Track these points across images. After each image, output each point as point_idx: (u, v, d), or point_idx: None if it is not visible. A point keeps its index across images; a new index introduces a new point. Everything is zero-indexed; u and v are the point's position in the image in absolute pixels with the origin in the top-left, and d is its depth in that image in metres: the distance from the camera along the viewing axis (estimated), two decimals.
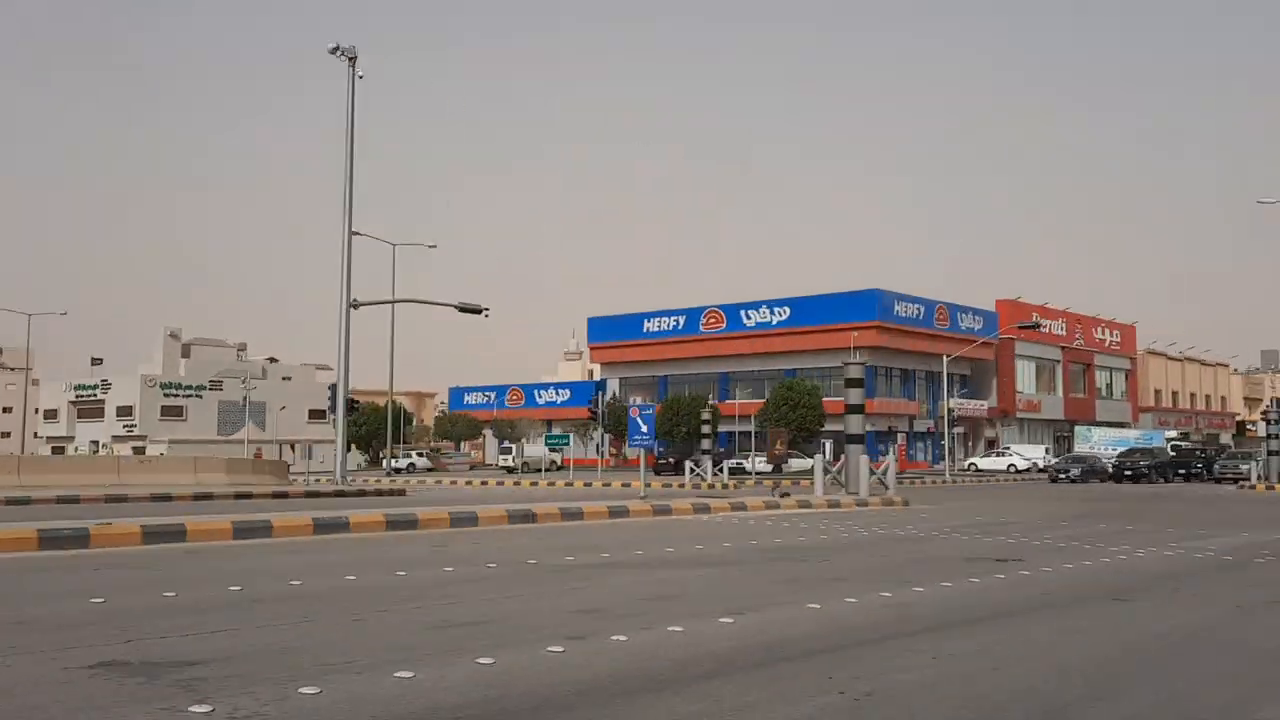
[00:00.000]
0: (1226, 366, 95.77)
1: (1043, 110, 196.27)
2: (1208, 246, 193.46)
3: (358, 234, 49.18)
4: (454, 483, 45.98)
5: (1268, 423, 42.12)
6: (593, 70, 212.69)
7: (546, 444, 44.58)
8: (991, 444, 67.27)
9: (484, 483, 44.65)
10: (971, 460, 62.51)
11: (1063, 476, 48.16)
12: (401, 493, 30.39)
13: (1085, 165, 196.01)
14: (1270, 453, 41.46)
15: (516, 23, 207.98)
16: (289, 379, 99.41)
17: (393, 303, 36.82)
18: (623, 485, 39.02)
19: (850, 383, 24.89)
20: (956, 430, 67.77)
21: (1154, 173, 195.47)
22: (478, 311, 34.90)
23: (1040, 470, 59.44)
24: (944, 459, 65.61)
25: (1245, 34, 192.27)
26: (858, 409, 24.39)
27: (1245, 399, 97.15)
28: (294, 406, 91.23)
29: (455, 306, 34.88)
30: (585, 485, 39.74)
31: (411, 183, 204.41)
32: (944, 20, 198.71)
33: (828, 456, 49.81)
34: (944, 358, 50.68)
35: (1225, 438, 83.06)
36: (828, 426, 58.99)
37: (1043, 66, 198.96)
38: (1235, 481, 43.81)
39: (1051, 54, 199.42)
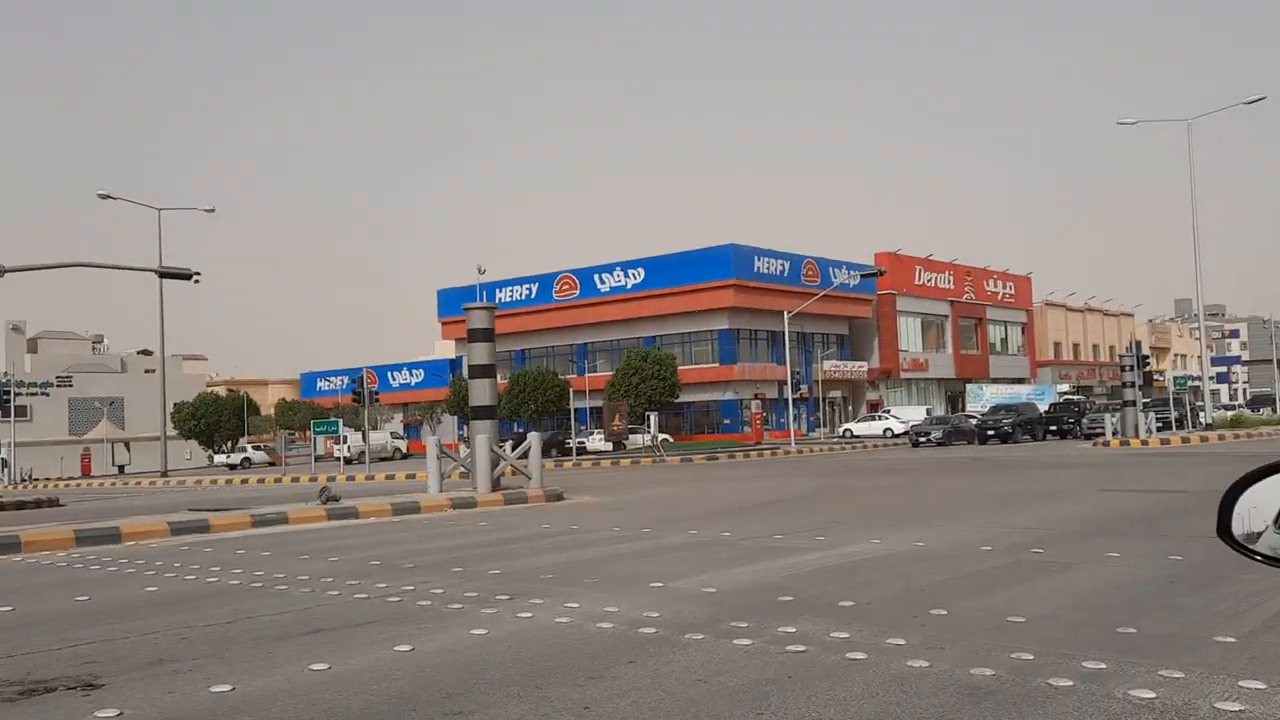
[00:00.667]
0: (1131, 316, 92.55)
1: (923, 54, 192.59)
2: (1109, 193, 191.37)
3: (107, 196, 43.89)
4: (199, 482, 40.66)
5: (1123, 369, 38.01)
6: (437, 35, 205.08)
7: (314, 431, 39.40)
8: (874, 407, 63.09)
9: (198, 482, 39.72)
10: (847, 425, 58.22)
11: (923, 440, 44.10)
12: (55, 503, 25.16)
13: (971, 110, 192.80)
14: (1126, 403, 37.39)
15: None
16: (152, 371, 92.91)
17: (57, 266, 31.16)
18: (407, 477, 34.12)
19: (475, 335, 19.88)
20: (834, 394, 63.54)
21: (1043, 117, 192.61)
22: (186, 277, 29.52)
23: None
24: (819, 426, 61.54)
25: None
26: (483, 370, 19.37)
27: (1153, 349, 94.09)
28: (156, 402, 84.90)
29: (156, 271, 29.48)
30: (345, 480, 34.73)
31: (286, 158, 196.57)
32: None
33: (657, 431, 45.48)
34: (784, 315, 45.87)
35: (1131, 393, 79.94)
36: (685, 397, 54.43)
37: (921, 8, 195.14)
38: (1096, 438, 39.91)
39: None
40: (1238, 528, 1.66)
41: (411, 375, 70.45)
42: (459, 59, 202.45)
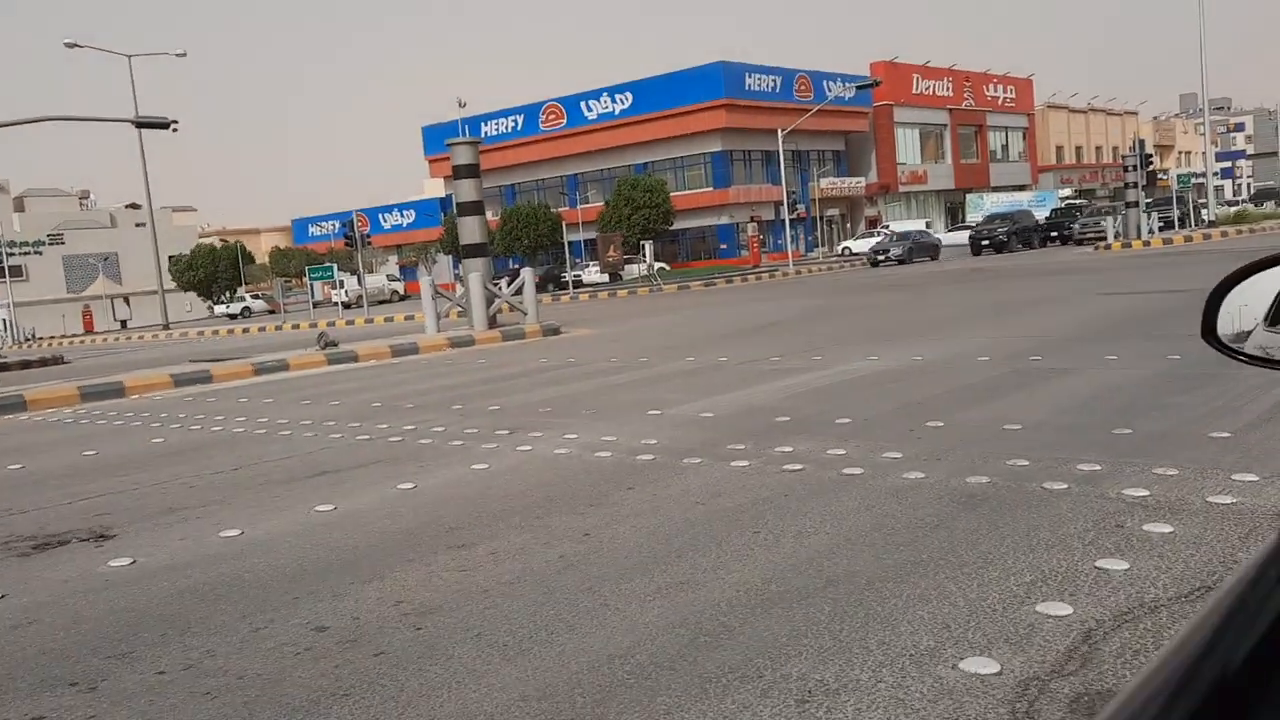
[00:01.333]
0: (1135, 114, 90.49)
1: None
2: None
3: (74, 45, 42.34)
4: (200, 334, 40.78)
5: (1126, 170, 37.41)
6: None
7: (310, 277, 39.20)
8: (873, 223, 62.49)
9: (200, 333, 39.86)
10: (846, 243, 57.82)
11: (883, 259, 42.16)
12: (60, 360, 25.29)
13: None
14: (1128, 204, 36.98)
15: None
16: (143, 225, 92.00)
17: (32, 121, 30.31)
18: (405, 319, 34.25)
19: (460, 171, 19.48)
20: (831, 212, 62.94)
21: None
22: (164, 126, 28.80)
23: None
24: (817, 246, 61.21)
25: None
26: (472, 207, 19.03)
27: (1157, 147, 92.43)
28: (149, 255, 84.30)
29: (133, 122, 28.73)
30: (345, 325, 34.82)
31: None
32: None
33: (655, 259, 45.25)
34: (778, 133, 44.82)
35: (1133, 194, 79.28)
36: (679, 224, 53.89)
37: None
38: (1097, 242, 39.65)
39: None
40: (1226, 327, 1.57)
41: (403, 216, 69.57)
42: None
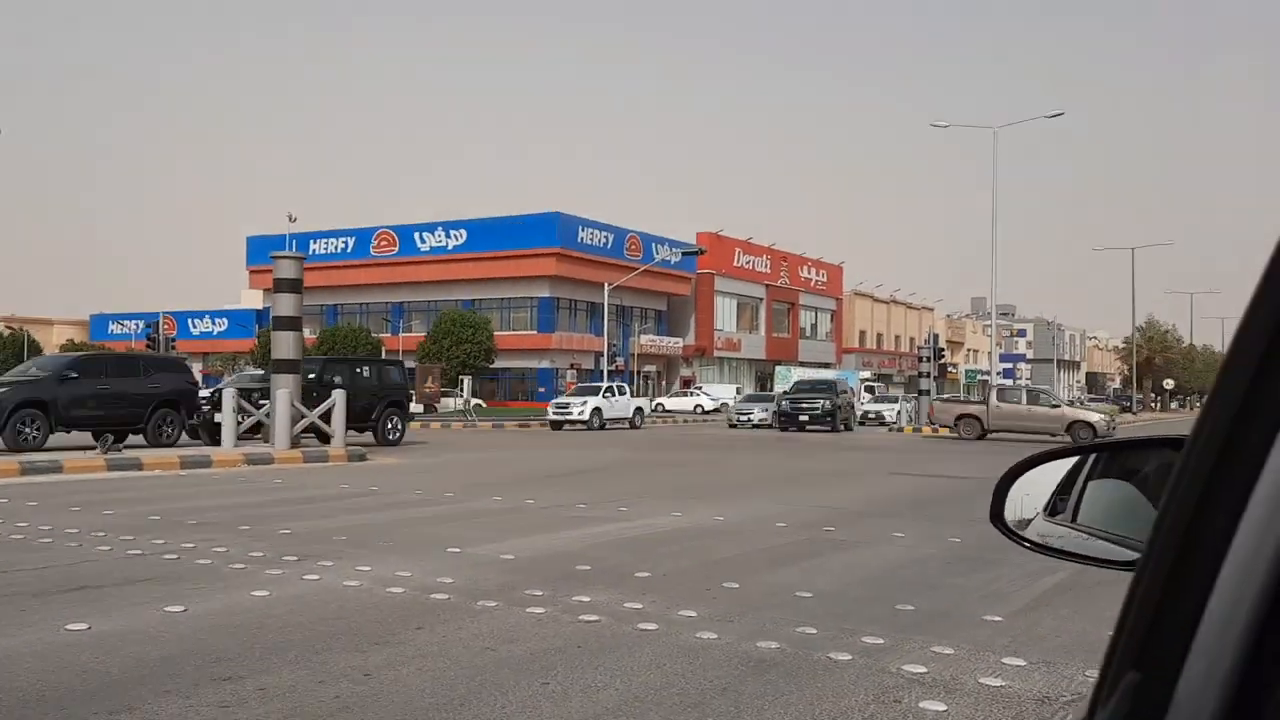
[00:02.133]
0: (931, 310, 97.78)
1: (752, 52, 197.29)
2: (920, 191, 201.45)
3: None
4: None
5: (921, 360, 40.10)
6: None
7: None
8: (687, 383, 64.33)
9: None
10: (660, 400, 59.12)
11: (743, 420, 40.44)
12: None
13: (799, 109, 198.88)
14: (922, 392, 39.49)
15: None
16: None
17: None
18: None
19: (281, 285, 19.16)
20: (649, 368, 64.44)
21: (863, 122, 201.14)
22: None
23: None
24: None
25: None
26: (288, 323, 18.65)
27: (949, 342, 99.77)
28: None
29: None
30: None
31: (79, 82, 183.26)
32: None
33: (471, 396, 44.96)
34: (605, 287, 46.03)
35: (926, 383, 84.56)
36: (500, 363, 53.94)
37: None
38: (891, 425, 42.05)
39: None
40: (1010, 514, 1.68)
41: (215, 324, 66.91)
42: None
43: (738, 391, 62.57)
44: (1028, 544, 1.64)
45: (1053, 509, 1.79)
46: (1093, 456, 1.71)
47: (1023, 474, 1.67)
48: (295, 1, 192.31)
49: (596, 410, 36.30)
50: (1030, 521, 1.72)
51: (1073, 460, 1.70)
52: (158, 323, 38.49)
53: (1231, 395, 0.49)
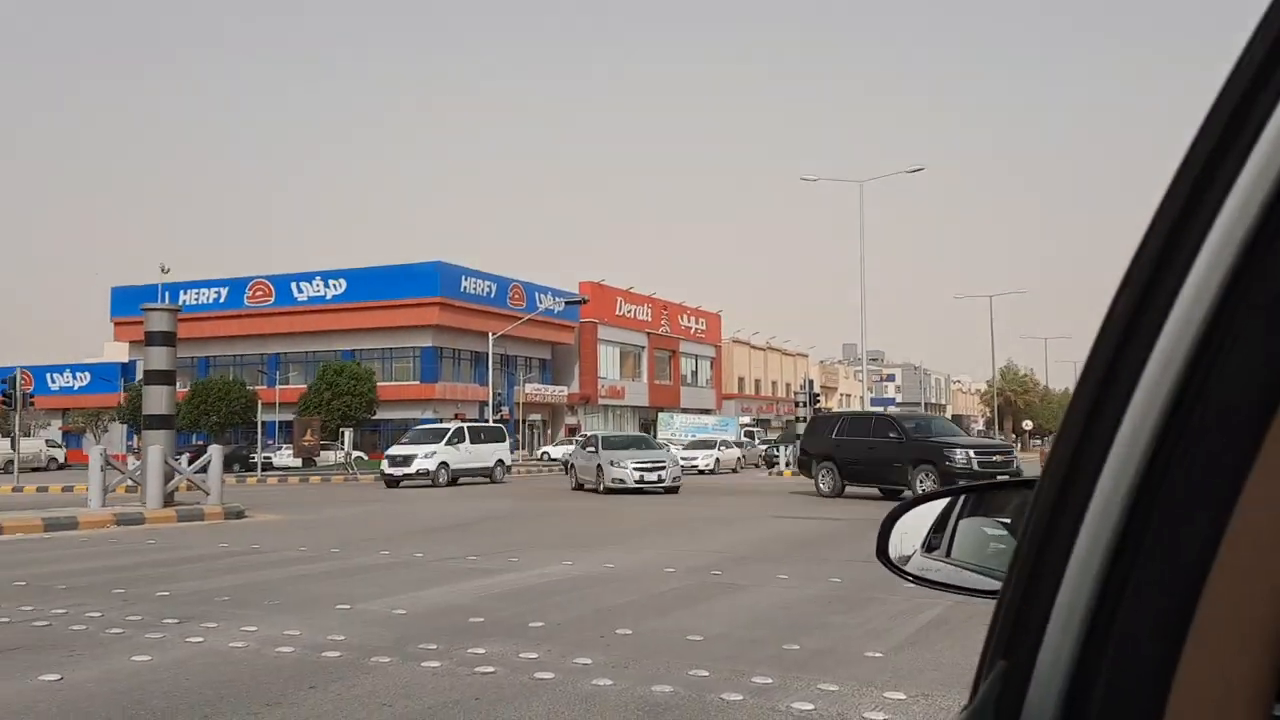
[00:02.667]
0: (806, 356, 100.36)
1: (629, 102, 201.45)
2: (795, 240, 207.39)
3: None
4: None
5: (797, 405, 41.13)
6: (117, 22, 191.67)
7: None
8: (572, 431, 64.25)
9: None
10: (545, 449, 58.99)
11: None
12: None
13: (675, 160, 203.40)
14: (796, 436, 40.43)
15: None
16: None
17: None
18: (64, 489, 30.85)
19: (154, 338, 18.66)
20: (534, 417, 64.24)
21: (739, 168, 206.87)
22: None
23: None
24: (518, 448, 62.03)
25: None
26: (161, 376, 18.17)
27: (823, 387, 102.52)
28: None
29: None
30: (3, 491, 30.96)
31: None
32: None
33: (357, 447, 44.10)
34: (489, 336, 45.95)
35: (801, 427, 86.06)
36: (383, 414, 52.99)
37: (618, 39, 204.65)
38: (770, 468, 42.91)
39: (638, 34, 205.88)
40: (893, 550, 1.87)
41: (75, 378, 63.81)
42: (142, 40, 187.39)
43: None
44: (910, 577, 1.83)
45: (929, 545, 2.00)
46: (963, 498, 1.93)
47: (903, 514, 1.87)
48: (151, 47, 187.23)
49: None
50: (910, 557, 1.92)
51: (945, 501, 1.91)
52: (13, 378, 36.50)
53: (1069, 439, 0.67)
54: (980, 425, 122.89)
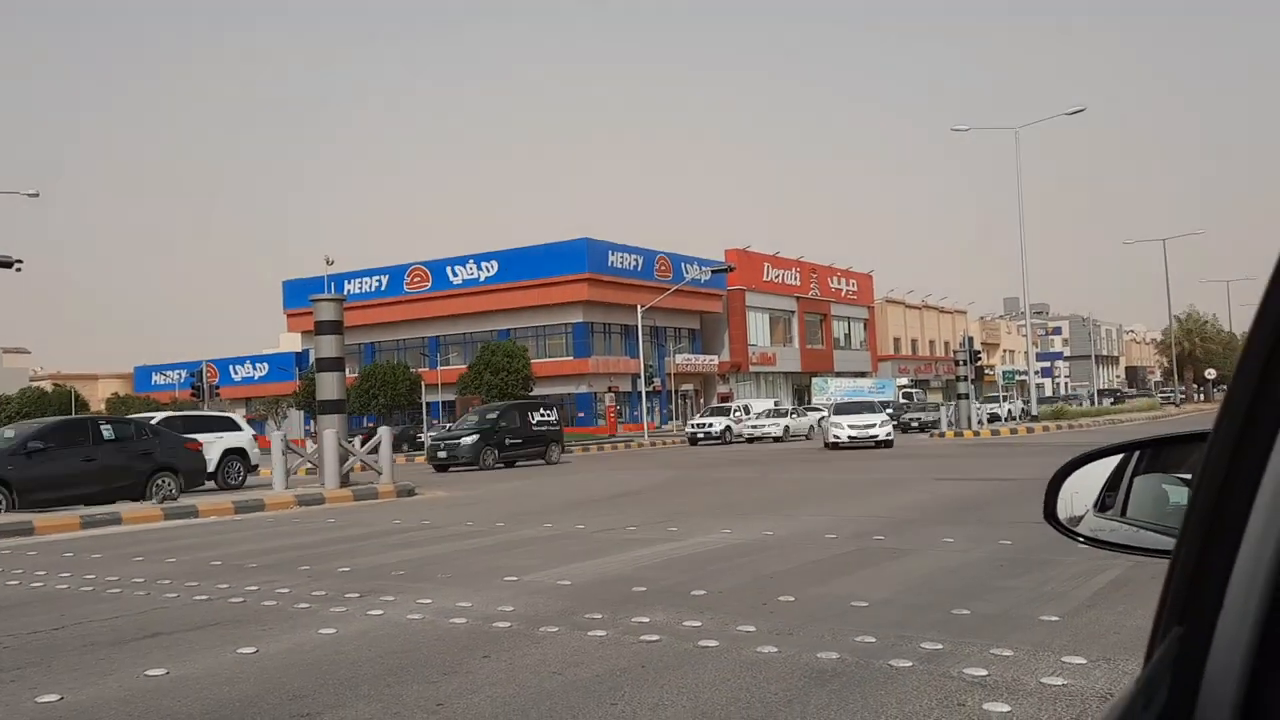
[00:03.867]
0: (964, 313, 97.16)
1: (771, 55, 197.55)
2: (946, 195, 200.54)
3: None
4: None
5: (957, 364, 39.91)
6: (261, 11, 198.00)
7: None
8: (725, 399, 64.22)
9: None
10: (698, 418, 59.15)
11: (704, 436, 43.02)
12: None
13: (821, 116, 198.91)
14: (960, 396, 39.27)
15: None
16: None
17: None
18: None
19: (323, 327, 19.41)
20: (686, 387, 64.51)
21: (890, 123, 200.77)
22: (7, 265, 27.84)
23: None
24: (672, 419, 62.43)
25: None
26: (331, 363, 18.93)
27: (984, 344, 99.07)
28: None
29: None
30: None
31: (114, 141, 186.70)
32: None
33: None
34: (637, 308, 46.29)
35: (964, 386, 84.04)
36: (538, 390, 54.24)
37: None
38: (932, 429, 41.80)
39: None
40: (1062, 511, 1.79)
41: (255, 369, 67.84)
42: (297, 37, 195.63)
43: (775, 404, 62.62)
44: (1081, 539, 1.74)
45: (1101, 505, 1.89)
46: (1137, 453, 1.82)
47: (1072, 473, 1.77)
48: (311, 48, 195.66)
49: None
50: (1081, 518, 1.83)
51: (1119, 457, 1.81)
52: (200, 371, 39.06)
53: (1243, 393, 0.62)
54: (1157, 377, 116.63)
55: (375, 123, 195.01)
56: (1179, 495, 1.73)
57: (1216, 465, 0.63)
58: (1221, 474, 0.62)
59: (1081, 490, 1.85)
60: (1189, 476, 1.71)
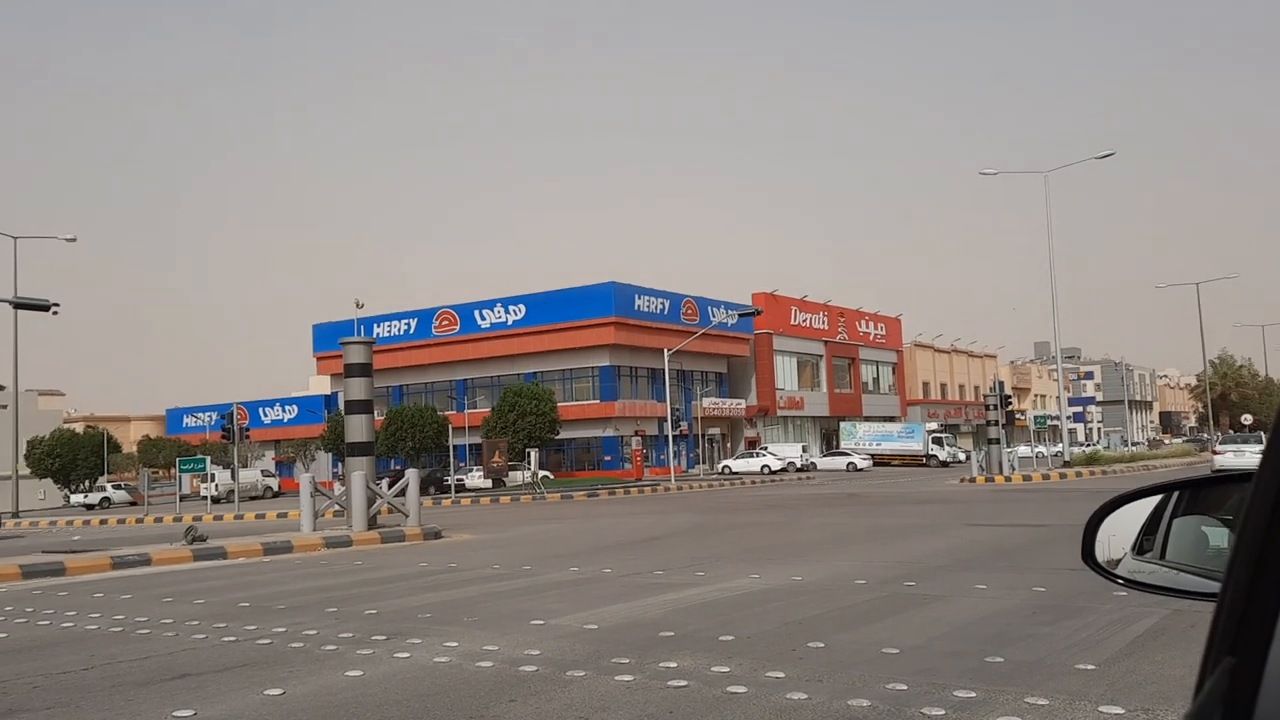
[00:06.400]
0: (994, 358, 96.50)
1: (797, 99, 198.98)
2: (975, 239, 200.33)
3: None
4: (53, 524, 38.96)
5: (988, 409, 39.55)
6: (276, 56, 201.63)
7: (180, 469, 37.78)
8: (752, 444, 63.98)
9: (53, 523, 38.03)
10: (726, 462, 58.95)
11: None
12: None
13: (850, 159, 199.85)
14: (990, 441, 38.87)
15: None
16: (4, 407, 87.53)
17: None
18: (278, 516, 32.97)
19: (352, 370, 19.53)
20: (713, 431, 64.33)
21: (913, 166, 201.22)
22: (44, 308, 28.22)
23: (798, 470, 56.46)
24: (698, 463, 62.19)
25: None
26: (360, 406, 19.02)
27: (1015, 389, 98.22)
28: (8, 439, 79.82)
29: (10, 302, 28.05)
30: (213, 520, 33.36)
31: (147, 186, 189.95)
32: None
33: (535, 467, 45.36)
34: (664, 352, 46.33)
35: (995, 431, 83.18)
36: (565, 434, 54.27)
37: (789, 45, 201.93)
38: (962, 475, 41.37)
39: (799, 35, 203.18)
40: (1100, 554, 1.76)
41: (284, 411, 68.29)
42: (321, 88, 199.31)
43: (804, 450, 62.20)
44: (1120, 581, 1.72)
45: (1140, 548, 1.87)
46: (1175, 495, 1.79)
47: (1111, 513, 1.75)
48: (339, 98, 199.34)
49: None
50: (1119, 561, 1.80)
51: (1157, 498, 1.78)
52: (231, 413, 39.39)
53: None
54: (1192, 422, 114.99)
55: (408, 167, 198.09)
56: (1219, 538, 1.71)
57: (1264, 493, 0.63)
58: (1271, 502, 0.62)
59: (1118, 533, 1.82)
60: (1230, 518, 1.68)
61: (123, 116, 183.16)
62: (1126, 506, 1.75)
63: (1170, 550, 1.74)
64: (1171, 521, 1.76)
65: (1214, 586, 1.50)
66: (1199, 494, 1.78)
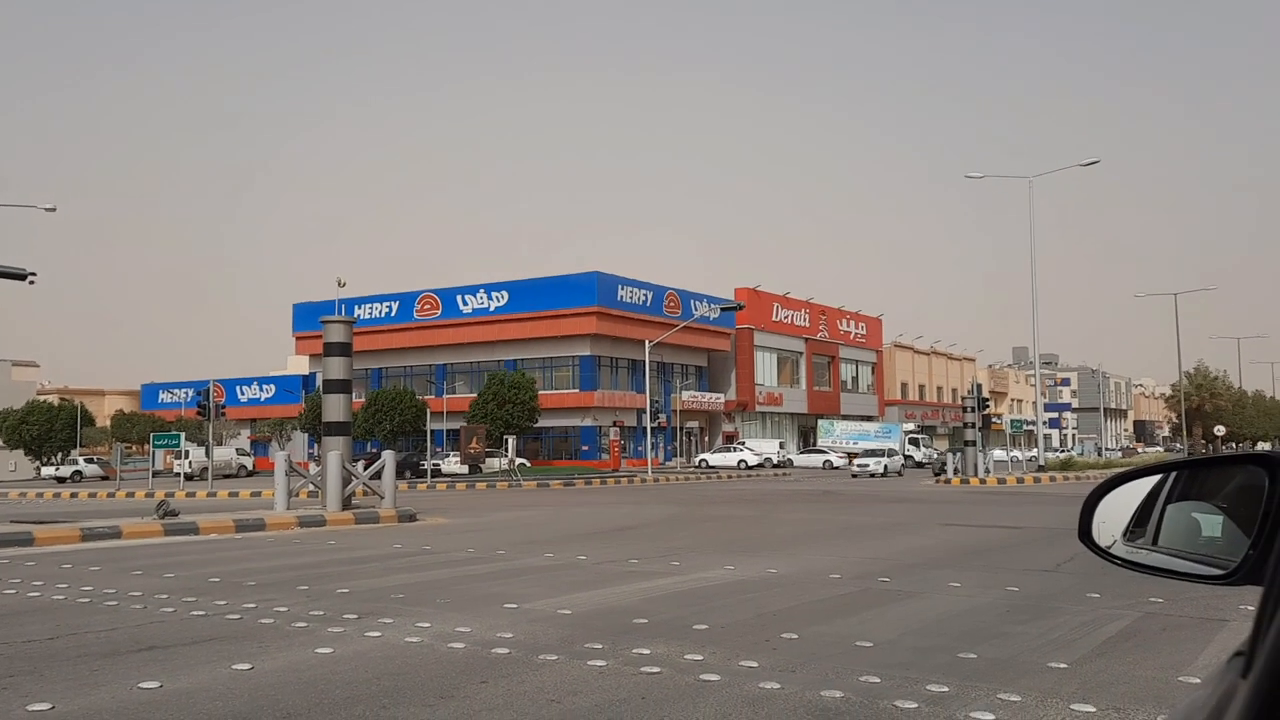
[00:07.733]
0: (973, 360, 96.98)
1: (788, 99, 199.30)
2: (958, 242, 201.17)
3: None
4: (23, 495, 38.57)
5: (965, 411, 39.74)
6: (279, 35, 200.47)
7: (154, 445, 37.46)
8: (730, 438, 64.08)
9: (22, 495, 37.75)
10: (703, 455, 58.97)
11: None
12: None
13: (836, 160, 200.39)
14: (967, 443, 39.07)
15: None
16: None
17: None
18: (252, 495, 32.77)
19: (331, 349, 19.40)
20: (691, 424, 64.36)
21: (901, 168, 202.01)
22: (20, 277, 27.88)
23: (775, 466, 56.54)
24: (675, 455, 62.21)
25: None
26: (339, 385, 18.90)
27: (992, 392, 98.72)
28: None
29: None
30: (185, 497, 33.13)
31: (130, 159, 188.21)
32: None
33: (514, 454, 45.27)
34: (645, 344, 46.29)
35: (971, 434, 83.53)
36: (544, 422, 54.15)
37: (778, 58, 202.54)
38: (938, 476, 41.57)
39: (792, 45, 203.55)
40: (1096, 535, 1.73)
41: (262, 390, 67.82)
42: (309, 63, 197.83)
43: (781, 446, 62.27)
44: (1118, 560, 1.69)
45: (1130, 535, 1.84)
46: (1170, 479, 1.76)
47: (1109, 492, 1.72)
48: (327, 77, 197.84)
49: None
50: (1112, 546, 1.77)
51: (1155, 479, 1.75)
52: (207, 390, 39.09)
53: None
54: (1165, 431, 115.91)
55: (395, 150, 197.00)
56: (1211, 526, 1.68)
57: None
58: None
59: (1109, 520, 1.80)
60: (1224, 505, 1.65)
61: (108, 87, 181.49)
62: (1123, 487, 1.72)
63: (1163, 537, 1.71)
64: (1165, 508, 1.73)
65: (1211, 570, 1.47)
66: (1194, 480, 1.75)
